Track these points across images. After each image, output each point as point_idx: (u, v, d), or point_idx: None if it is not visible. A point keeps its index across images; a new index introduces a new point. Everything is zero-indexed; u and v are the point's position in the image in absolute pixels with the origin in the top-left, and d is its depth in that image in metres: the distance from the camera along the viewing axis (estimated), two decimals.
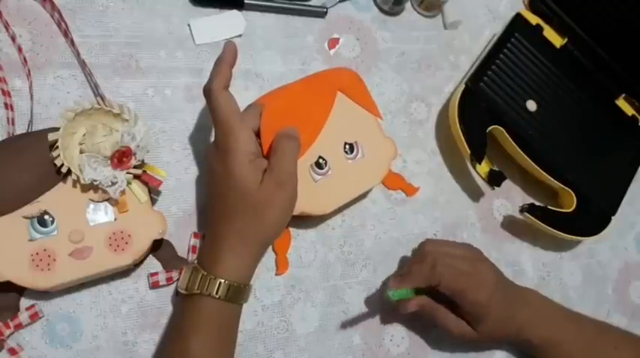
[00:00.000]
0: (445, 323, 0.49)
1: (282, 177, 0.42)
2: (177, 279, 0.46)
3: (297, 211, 0.46)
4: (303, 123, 0.47)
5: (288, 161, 0.43)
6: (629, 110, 0.65)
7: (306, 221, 0.52)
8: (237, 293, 0.41)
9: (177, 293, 0.46)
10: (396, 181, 0.57)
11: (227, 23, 0.55)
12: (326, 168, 0.49)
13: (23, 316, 0.42)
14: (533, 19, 0.64)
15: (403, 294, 0.47)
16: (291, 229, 0.52)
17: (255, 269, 0.43)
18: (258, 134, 0.45)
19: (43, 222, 0.41)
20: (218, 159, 0.42)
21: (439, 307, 0.49)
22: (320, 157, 0.49)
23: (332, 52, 0.59)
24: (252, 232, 0.42)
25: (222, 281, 0.40)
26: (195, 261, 0.43)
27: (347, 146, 0.50)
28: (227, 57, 0.43)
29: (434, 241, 0.53)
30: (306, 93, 0.49)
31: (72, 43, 0.49)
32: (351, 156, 0.50)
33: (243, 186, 0.41)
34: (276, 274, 0.50)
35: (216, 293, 0.40)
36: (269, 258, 0.50)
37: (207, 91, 0.42)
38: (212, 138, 0.51)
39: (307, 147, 0.49)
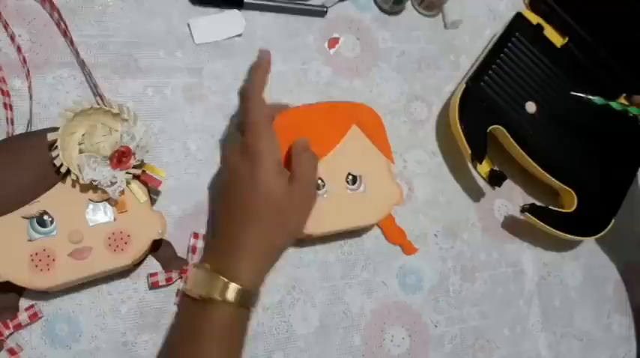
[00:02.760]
0: None
1: (306, 188, 0.43)
2: (177, 279, 0.46)
3: None
4: (310, 142, 0.47)
5: (311, 172, 0.44)
6: None
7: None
8: (251, 299, 0.41)
9: (177, 293, 0.46)
10: (397, 235, 0.55)
11: (227, 23, 0.55)
12: (322, 190, 0.49)
13: (22, 316, 0.42)
14: (534, 19, 0.63)
15: None
16: None
17: (267, 275, 0.43)
18: None
19: (42, 222, 0.41)
20: (245, 163, 0.42)
21: None
22: (319, 178, 0.49)
23: (332, 51, 0.59)
24: (272, 239, 0.42)
25: (239, 287, 0.39)
26: (206, 264, 0.41)
27: (350, 176, 0.50)
28: (264, 64, 0.45)
29: None
30: (321, 117, 0.50)
31: (71, 42, 0.48)
32: (352, 187, 0.50)
33: (270, 193, 0.41)
34: None
35: (232, 298, 0.39)
36: None
37: (245, 93, 0.43)
38: (212, 137, 0.51)
39: None
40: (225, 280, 0.39)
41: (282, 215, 0.42)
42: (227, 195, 0.45)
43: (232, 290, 0.39)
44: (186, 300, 0.42)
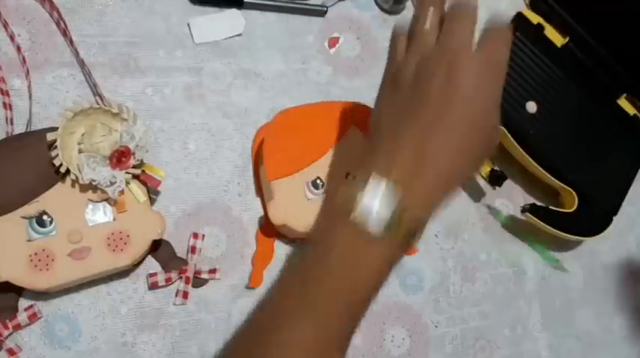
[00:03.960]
0: None
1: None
2: (177, 280, 0.46)
3: (281, 221, 0.46)
4: (307, 141, 0.48)
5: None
6: (630, 109, 0.65)
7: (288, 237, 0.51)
8: (419, 234, 0.32)
9: (176, 293, 0.46)
10: None
11: (226, 22, 0.55)
12: (321, 190, 0.48)
13: (22, 317, 0.41)
14: (534, 19, 0.63)
15: None
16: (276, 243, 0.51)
17: None
18: None
19: (41, 222, 0.41)
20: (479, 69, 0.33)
21: None
22: (318, 178, 0.49)
23: (332, 51, 0.59)
24: (468, 153, 0.33)
25: (417, 215, 0.30)
26: (387, 179, 0.30)
27: (349, 176, 0.49)
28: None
29: None
30: (320, 116, 0.50)
31: (71, 42, 0.48)
32: None
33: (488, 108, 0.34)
34: (248, 287, 0.48)
35: (406, 230, 0.30)
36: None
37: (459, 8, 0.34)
38: (212, 137, 0.51)
39: (307, 164, 0.49)
40: (405, 204, 0.29)
41: (490, 134, 0.34)
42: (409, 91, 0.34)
43: (408, 220, 0.30)
44: (326, 229, 0.32)
